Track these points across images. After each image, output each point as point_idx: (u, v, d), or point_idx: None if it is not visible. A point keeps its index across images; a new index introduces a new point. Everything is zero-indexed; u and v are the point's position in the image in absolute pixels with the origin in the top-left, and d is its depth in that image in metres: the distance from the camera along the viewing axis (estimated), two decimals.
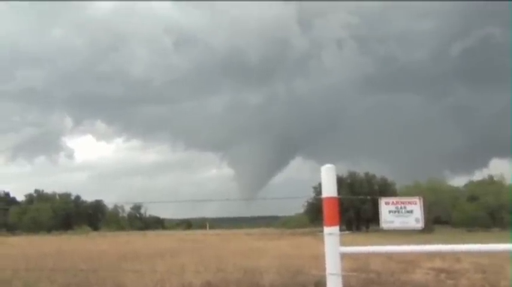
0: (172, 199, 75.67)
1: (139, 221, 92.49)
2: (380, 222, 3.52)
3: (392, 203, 3.51)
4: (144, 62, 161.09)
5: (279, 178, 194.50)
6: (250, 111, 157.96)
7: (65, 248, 18.49)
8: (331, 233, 3.41)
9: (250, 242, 22.61)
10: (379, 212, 3.52)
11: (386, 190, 56.29)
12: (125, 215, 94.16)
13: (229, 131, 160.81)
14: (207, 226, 71.53)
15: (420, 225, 3.43)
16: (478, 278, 8.36)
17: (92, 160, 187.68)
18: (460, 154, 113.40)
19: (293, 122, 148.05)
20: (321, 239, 3.48)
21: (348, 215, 53.87)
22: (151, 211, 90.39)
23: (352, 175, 61.94)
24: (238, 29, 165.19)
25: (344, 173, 59.98)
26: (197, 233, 45.28)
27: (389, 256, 10.82)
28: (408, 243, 3.67)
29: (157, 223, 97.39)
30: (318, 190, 41.19)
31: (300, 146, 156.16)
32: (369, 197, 51.33)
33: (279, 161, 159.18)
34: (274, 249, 17.12)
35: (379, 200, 3.55)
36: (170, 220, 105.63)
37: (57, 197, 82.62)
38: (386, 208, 3.51)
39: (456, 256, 11.30)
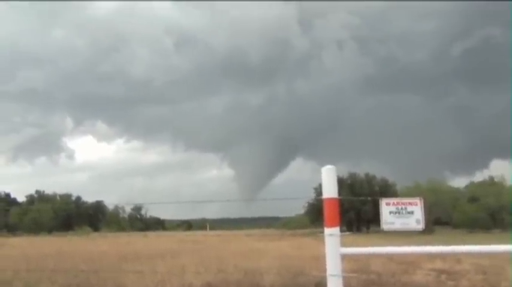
0: (173, 199, 75.74)
1: (140, 222, 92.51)
2: (381, 223, 3.52)
3: (393, 204, 3.51)
4: (145, 62, 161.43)
5: (280, 178, 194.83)
6: (251, 111, 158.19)
7: (65, 249, 18.49)
8: (331, 234, 3.41)
9: (250, 243, 22.59)
10: (380, 213, 3.52)
11: (387, 190, 56.27)
12: (126, 216, 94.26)
13: (229, 131, 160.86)
14: (208, 227, 71.52)
15: (421, 226, 3.43)
16: (478, 279, 8.35)
17: (93, 160, 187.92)
18: (461, 155, 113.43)
19: (293, 122, 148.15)
20: (322, 240, 3.48)
21: (349, 216, 53.85)
22: (151, 211, 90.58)
23: (352, 176, 61.96)
24: (239, 30, 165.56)
25: (344, 174, 60.14)
26: (197, 234, 45.27)
27: (390, 257, 10.81)
28: (409, 244, 3.67)
29: (157, 224, 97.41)
30: (318, 190, 41.28)
31: (300, 146, 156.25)
32: (369, 198, 51.40)
33: (280, 161, 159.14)
34: (275, 250, 17.11)
35: (379, 201, 3.55)
36: (171, 221, 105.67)
37: (58, 197, 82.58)
38: (387, 209, 3.51)
39: (457, 257, 11.29)
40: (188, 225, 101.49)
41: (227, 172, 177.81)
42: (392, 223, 3.49)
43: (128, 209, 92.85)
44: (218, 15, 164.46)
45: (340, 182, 40.03)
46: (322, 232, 3.46)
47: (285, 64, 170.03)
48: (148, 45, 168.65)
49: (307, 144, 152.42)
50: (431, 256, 11.08)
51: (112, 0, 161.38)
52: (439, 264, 10.60)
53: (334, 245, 3.39)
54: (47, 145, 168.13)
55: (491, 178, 61.21)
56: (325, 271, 3.40)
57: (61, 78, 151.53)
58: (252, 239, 27.97)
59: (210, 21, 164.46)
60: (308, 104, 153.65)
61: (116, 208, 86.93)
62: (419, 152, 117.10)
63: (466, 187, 64.62)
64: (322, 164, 3.48)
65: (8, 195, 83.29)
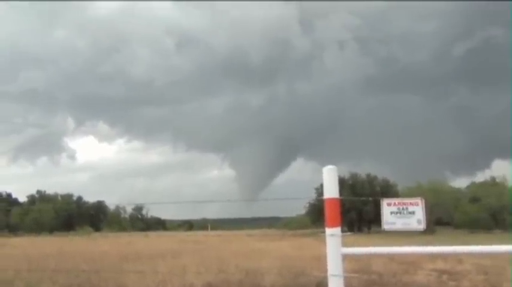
0: (174, 200, 75.80)
1: (141, 222, 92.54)
2: (382, 223, 3.52)
3: (394, 204, 3.51)
4: (146, 62, 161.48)
5: (281, 179, 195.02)
6: (252, 112, 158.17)
7: (66, 249, 18.51)
8: (332, 234, 3.41)
9: (251, 243, 22.60)
10: (381, 213, 3.51)
11: (388, 191, 56.19)
12: (127, 216, 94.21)
13: (230, 132, 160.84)
14: (209, 227, 71.55)
15: (422, 226, 3.43)
16: (480, 280, 8.35)
17: (94, 160, 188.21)
18: (462, 155, 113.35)
19: (294, 123, 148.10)
20: (323, 240, 3.48)
21: (350, 216, 53.80)
22: (152, 211, 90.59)
23: (353, 176, 61.89)
24: (240, 30, 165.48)
25: (346, 174, 60.01)
26: (198, 234, 45.31)
27: (391, 257, 10.81)
28: (410, 244, 3.67)
29: (158, 224, 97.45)
30: (319, 191, 41.22)
31: (301, 147, 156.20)
32: (370, 199, 51.32)
33: (281, 162, 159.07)
34: (276, 250, 17.11)
35: (381, 201, 3.55)
36: (171, 221, 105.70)
37: (59, 198, 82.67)
38: (388, 209, 3.51)
39: (458, 258, 11.28)
40: (189, 225, 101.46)
41: (228, 172, 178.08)
42: (394, 223, 3.49)
43: (129, 209, 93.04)
44: (219, 15, 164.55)
45: (342, 182, 39.94)
46: (323, 232, 3.45)
47: (286, 64, 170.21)
48: (149, 46, 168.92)
49: (308, 144, 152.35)
50: (433, 256, 11.07)
51: (113, 0, 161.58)
52: (440, 264, 10.59)
53: (335, 245, 3.39)
54: (48, 145, 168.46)
55: (493, 178, 61.19)
56: (326, 271, 3.40)
57: (62, 78, 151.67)
58: (253, 240, 27.98)
59: (211, 21, 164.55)
60: (309, 104, 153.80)
61: (117, 208, 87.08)
62: (420, 152, 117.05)
63: (468, 187, 64.58)
64: (323, 164, 3.48)
65: (9, 195, 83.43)
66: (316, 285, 7.07)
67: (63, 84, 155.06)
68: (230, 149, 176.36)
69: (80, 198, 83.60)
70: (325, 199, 3.46)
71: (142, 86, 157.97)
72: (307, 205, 61.42)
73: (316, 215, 54.36)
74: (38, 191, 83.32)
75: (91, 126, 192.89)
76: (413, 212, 3.45)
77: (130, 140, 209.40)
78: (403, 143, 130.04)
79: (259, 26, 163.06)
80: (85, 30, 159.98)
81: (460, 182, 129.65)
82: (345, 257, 3.42)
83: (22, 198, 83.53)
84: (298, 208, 68.35)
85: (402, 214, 3.47)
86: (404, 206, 3.48)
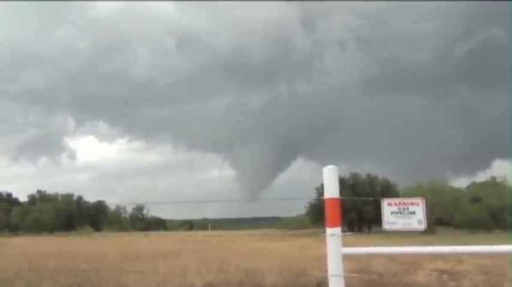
0: (174, 199, 75.75)
1: (141, 222, 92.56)
2: (382, 223, 3.52)
3: (395, 204, 3.51)
4: (147, 63, 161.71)
5: (281, 179, 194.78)
6: (252, 112, 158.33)
7: (67, 249, 18.51)
8: (333, 234, 3.41)
9: (252, 243, 22.58)
10: (382, 213, 3.51)
11: (389, 191, 56.14)
12: (127, 216, 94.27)
13: (231, 132, 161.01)
14: (209, 227, 71.51)
15: (422, 226, 3.43)
16: (480, 280, 8.34)
17: (94, 160, 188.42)
18: (463, 155, 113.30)
19: (295, 123, 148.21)
20: (323, 240, 3.47)
21: (350, 216, 53.76)
22: (153, 211, 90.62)
23: (354, 176, 61.82)
24: (241, 30, 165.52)
25: (346, 174, 59.93)
26: (199, 234, 45.32)
27: (391, 257, 10.80)
28: (410, 244, 3.66)
29: (159, 224, 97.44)
30: (320, 191, 41.24)
31: (301, 147, 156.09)
32: (371, 199, 51.22)
33: (281, 162, 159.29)
34: (276, 250, 17.11)
35: (381, 201, 3.55)
36: (172, 221, 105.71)
37: (60, 197, 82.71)
38: (388, 209, 3.51)
39: (458, 258, 11.27)
40: (190, 225, 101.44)
41: (228, 172, 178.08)
42: (394, 223, 3.48)
43: (130, 209, 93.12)
44: (220, 15, 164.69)
45: (342, 182, 40.26)
46: (324, 232, 3.45)
47: (287, 64, 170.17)
48: (150, 46, 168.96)
49: (308, 144, 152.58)
50: (433, 256, 11.07)
51: (114, 0, 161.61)
52: (440, 264, 10.59)
53: (335, 245, 3.39)
54: (49, 145, 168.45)
55: (493, 178, 61.17)
56: (326, 271, 3.40)
57: (63, 78, 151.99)
58: (254, 240, 27.97)
59: (212, 21, 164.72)
60: (310, 105, 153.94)
61: (118, 208, 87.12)
62: (420, 152, 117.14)
63: (468, 187, 64.54)
64: (324, 164, 3.48)
65: (9, 195, 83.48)
66: (317, 285, 7.07)
67: (64, 84, 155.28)
68: (231, 149, 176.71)
69: (80, 198, 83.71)
70: (325, 199, 3.46)
71: (143, 86, 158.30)
72: (308, 205, 61.39)
73: (316, 215, 54.33)
74: (39, 191, 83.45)
75: (91, 126, 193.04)
76: (413, 212, 3.45)
77: (131, 140, 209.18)
78: (404, 143, 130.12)
79: (260, 26, 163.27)
80: (86, 30, 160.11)
81: (461, 182, 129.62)
82: (346, 257, 3.42)
83: (22, 198, 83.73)
84: (299, 208, 68.31)
85: (403, 214, 3.47)
86: (405, 206, 3.48)
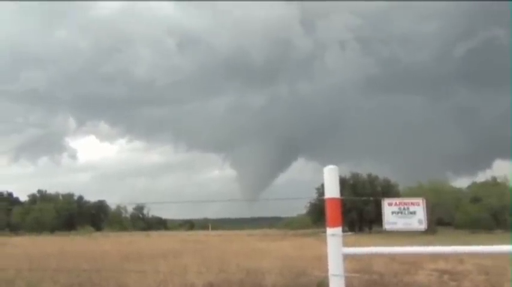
0: (175, 199, 75.72)
1: (142, 222, 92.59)
2: (383, 223, 3.52)
3: (395, 204, 3.51)
4: (147, 63, 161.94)
5: (282, 179, 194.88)
6: (253, 112, 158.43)
7: (67, 249, 18.52)
8: (333, 234, 3.41)
9: (252, 243, 22.58)
10: (382, 213, 3.51)
11: (389, 191, 56.12)
12: (128, 215, 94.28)
13: (231, 132, 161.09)
14: (210, 227, 71.51)
15: (423, 226, 3.43)
16: (481, 280, 8.34)
17: (95, 160, 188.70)
18: (463, 155, 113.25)
19: (295, 123, 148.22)
20: (324, 240, 3.47)
21: (351, 216, 53.76)
22: (153, 211, 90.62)
23: (354, 176, 61.80)
24: (241, 30, 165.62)
25: (347, 174, 59.92)
26: (199, 234, 45.35)
27: (392, 257, 10.79)
28: (411, 244, 3.66)
29: (159, 224, 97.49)
30: (320, 191, 41.18)
31: (302, 147, 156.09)
32: (371, 199, 51.23)
33: (282, 162, 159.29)
34: (277, 250, 17.11)
35: (382, 201, 3.55)
36: (173, 221, 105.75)
37: (60, 197, 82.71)
38: (389, 209, 3.51)
39: (459, 258, 11.27)
40: (190, 225, 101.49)
41: (229, 172, 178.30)
42: (395, 223, 3.48)
43: (130, 209, 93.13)
44: (220, 15, 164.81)
45: (343, 182, 40.22)
46: (324, 232, 3.45)
47: (287, 64, 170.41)
48: (150, 46, 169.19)
49: (309, 144, 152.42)
50: (434, 256, 11.07)
51: (114, 0, 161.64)
52: (441, 264, 10.58)
53: (336, 245, 3.39)
54: (50, 145, 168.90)
55: (494, 179, 61.16)
56: (327, 271, 3.40)
57: (63, 78, 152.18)
58: (254, 239, 27.97)
59: (212, 21, 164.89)
60: (310, 105, 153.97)
61: (118, 207, 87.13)
62: (421, 152, 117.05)
63: (469, 187, 64.53)
64: (324, 164, 3.48)
65: (10, 194, 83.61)
66: (317, 285, 7.07)
67: (65, 84, 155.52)
68: (231, 149, 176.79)
69: (81, 197, 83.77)
70: (326, 199, 3.46)
71: (143, 86, 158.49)
72: (308, 205, 61.35)
73: (317, 215, 54.31)
74: (39, 191, 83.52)
75: (92, 126, 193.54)
76: (414, 212, 3.45)
77: (132, 140, 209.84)
78: (404, 143, 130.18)
79: (260, 26, 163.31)
80: (86, 30, 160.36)
81: (461, 182, 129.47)
82: (346, 257, 3.42)
83: (23, 197, 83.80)
84: (299, 208, 68.29)
85: (403, 214, 3.47)
86: (406, 206, 3.48)
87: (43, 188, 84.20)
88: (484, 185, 59.82)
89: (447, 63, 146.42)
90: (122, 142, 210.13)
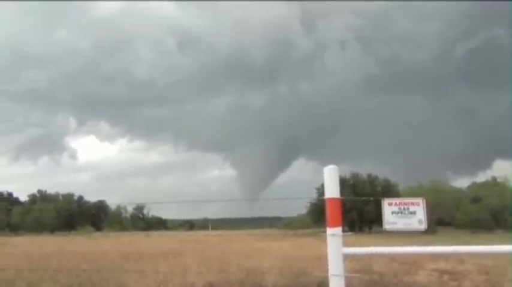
0: (175, 199, 75.73)
1: (142, 222, 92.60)
2: (383, 223, 3.51)
3: (395, 204, 3.50)
4: (148, 62, 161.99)
5: (282, 178, 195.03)
6: (253, 112, 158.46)
7: (67, 249, 18.53)
8: (333, 234, 3.41)
9: (252, 243, 22.59)
10: (382, 213, 3.51)
11: (389, 191, 56.11)
12: (128, 215, 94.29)
13: (232, 132, 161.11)
14: (210, 227, 71.55)
15: (423, 226, 3.42)
16: (481, 280, 8.34)
17: (95, 160, 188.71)
18: (463, 155, 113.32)
19: (296, 123, 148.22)
20: (324, 240, 3.47)
21: (351, 216, 53.77)
22: (154, 211, 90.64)
23: (355, 176, 61.80)
24: (241, 30, 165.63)
25: (347, 174, 59.94)
26: (199, 234, 45.35)
27: (392, 257, 10.80)
28: (411, 244, 3.66)
29: (159, 224, 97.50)
30: (320, 190, 41.16)
31: (302, 147, 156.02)
32: (371, 198, 51.23)
33: (282, 162, 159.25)
34: (277, 250, 17.11)
35: (382, 201, 3.54)
36: (173, 221, 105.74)
37: (60, 197, 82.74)
38: (389, 209, 3.51)
39: (459, 258, 11.27)
40: (190, 225, 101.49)
41: (229, 172, 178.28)
42: (395, 223, 3.48)
43: (130, 209, 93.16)
44: (221, 15, 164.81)
45: (343, 182, 40.23)
46: (325, 232, 3.45)
47: (288, 64, 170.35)
48: (151, 46, 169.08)
49: (309, 144, 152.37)
50: (434, 256, 11.08)
51: (114, 0, 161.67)
52: (441, 264, 10.58)
53: (336, 245, 3.39)
54: (50, 144, 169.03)
55: (494, 179, 61.16)
56: (327, 271, 3.40)
57: (64, 78, 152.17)
58: (254, 239, 27.97)
59: (213, 21, 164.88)
60: (310, 105, 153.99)
61: (118, 207, 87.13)
62: (421, 152, 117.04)
63: (469, 187, 64.54)
64: (324, 164, 3.47)
65: (10, 194, 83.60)
66: (318, 285, 7.07)
67: (65, 84, 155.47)
68: (231, 149, 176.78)
69: (81, 197, 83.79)
70: (326, 199, 3.46)
71: (144, 86, 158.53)
72: (308, 205, 61.36)
73: (317, 215, 54.32)
74: (39, 191, 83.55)
75: (92, 126, 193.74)
76: (414, 212, 3.45)
77: (132, 140, 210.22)
78: (405, 143, 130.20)
79: (260, 26, 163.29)
80: (87, 30, 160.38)
81: (461, 182, 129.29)
82: (346, 257, 3.42)
83: (23, 197, 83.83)
84: (299, 208, 68.33)
85: (403, 214, 3.46)
86: (406, 206, 3.47)
87: (43, 188, 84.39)
88: (484, 185, 59.82)
89: (447, 63, 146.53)
90: (122, 142, 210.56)
